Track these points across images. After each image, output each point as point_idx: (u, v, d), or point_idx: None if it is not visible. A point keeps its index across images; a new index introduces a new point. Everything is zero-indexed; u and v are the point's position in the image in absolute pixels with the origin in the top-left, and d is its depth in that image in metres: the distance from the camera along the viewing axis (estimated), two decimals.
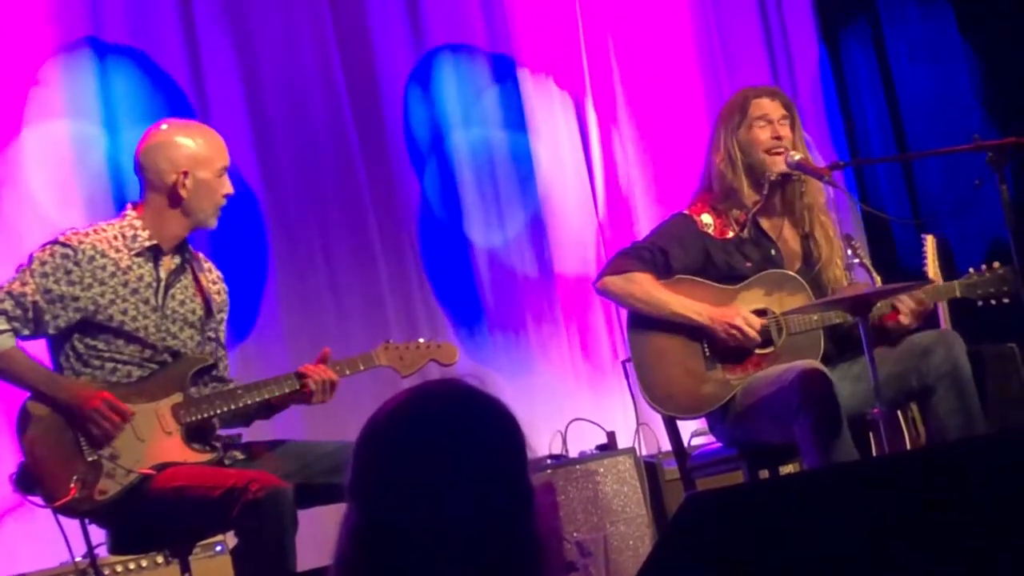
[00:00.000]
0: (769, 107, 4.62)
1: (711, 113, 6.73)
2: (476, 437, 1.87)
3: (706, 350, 4.52)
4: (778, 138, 4.58)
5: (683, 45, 6.87)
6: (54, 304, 4.03)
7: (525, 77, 6.56)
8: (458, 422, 1.88)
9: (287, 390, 4.13)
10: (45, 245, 4.11)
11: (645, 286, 4.55)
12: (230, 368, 4.34)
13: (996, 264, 4.56)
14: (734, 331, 4.45)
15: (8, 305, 4.01)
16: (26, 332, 4.04)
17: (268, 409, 4.24)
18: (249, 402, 4.12)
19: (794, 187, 4.63)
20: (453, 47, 6.49)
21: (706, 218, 4.65)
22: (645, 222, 6.42)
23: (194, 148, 4.17)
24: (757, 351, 4.51)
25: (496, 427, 1.89)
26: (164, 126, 4.27)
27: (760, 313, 4.53)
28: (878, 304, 4.41)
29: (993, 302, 4.55)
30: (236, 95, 6.05)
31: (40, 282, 4.03)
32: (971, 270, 4.58)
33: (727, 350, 4.50)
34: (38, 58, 5.69)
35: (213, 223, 4.22)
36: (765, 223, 4.65)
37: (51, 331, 4.06)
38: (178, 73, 5.95)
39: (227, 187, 4.20)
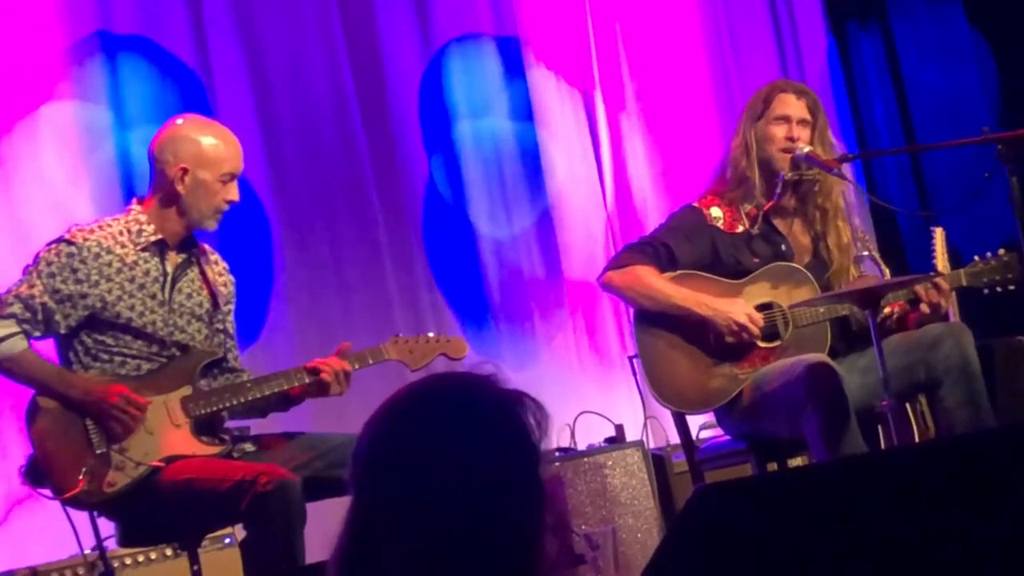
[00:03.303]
0: (792, 106, 4.60)
1: (719, 106, 6.74)
2: (479, 431, 1.84)
3: (713, 345, 4.51)
4: (791, 139, 4.57)
5: (692, 39, 6.86)
6: (63, 304, 4.03)
7: (534, 70, 6.55)
8: (461, 415, 1.85)
9: (296, 383, 4.13)
10: (50, 244, 4.11)
11: (646, 280, 4.53)
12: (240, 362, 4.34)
13: (1001, 251, 4.54)
14: (736, 327, 4.44)
15: (18, 308, 4.00)
16: (37, 334, 4.04)
17: (286, 401, 4.24)
18: (257, 395, 4.12)
19: (808, 188, 4.61)
20: (461, 40, 6.49)
21: (715, 211, 4.64)
22: (654, 215, 6.41)
23: (202, 147, 4.13)
24: (764, 344, 4.50)
25: (499, 424, 1.87)
26: (180, 120, 4.25)
27: (766, 307, 4.53)
28: (888, 296, 4.40)
29: (999, 290, 4.53)
30: (244, 92, 6.04)
31: (48, 282, 4.03)
32: (976, 258, 4.56)
33: (731, 344, 4.49)
34: (48, 53, 5.69)
35: (212, 226, 4.18)
36: (776, 220, 4.64)
37: (62, 330, 4.05)
38: (187, 70, 5.94)
39: (231, 194, 4.15)
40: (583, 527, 5.28)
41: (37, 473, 3.99)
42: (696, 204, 4.69)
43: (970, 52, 6.92)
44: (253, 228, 5.92)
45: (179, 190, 4.11)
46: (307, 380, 4.13)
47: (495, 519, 1.82)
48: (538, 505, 1.85)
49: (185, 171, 4.10)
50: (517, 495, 1.84)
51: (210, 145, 4.14)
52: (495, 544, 1.81)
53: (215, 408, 4.09)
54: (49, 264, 4.05)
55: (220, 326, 4.25)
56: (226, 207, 4.17)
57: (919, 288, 4.42)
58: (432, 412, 1.86)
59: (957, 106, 6.81)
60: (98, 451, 3.95)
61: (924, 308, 4.43)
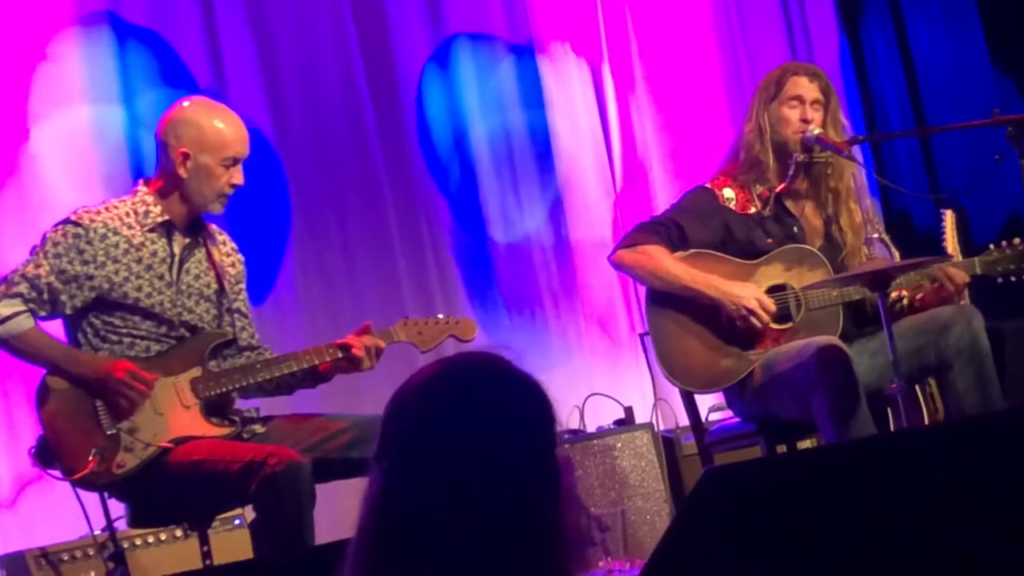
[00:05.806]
0: (805, 88, 4.59)
1: (728, 87, 6.73)
2: (506, 411, 1.85)
3: (724, 325, 4.50)
4: (806, 120, 4.56)
5: (701, 21, 6.85)
6: (69, 284, 4.03)
7: (543, 53, 6.54)
8: (489, 395, 1.86)
9: (327, 359, 4.13)
10: (57, 225, 4.10)
11: (657, 259, 4.53)
12: None
13: (1016, 240, 4.54)
14: (744, 312, 4.43)
15: (24, 288, 4.01)
16: (43, 313, 4.04)
17: (315, 378, 4.23)
18: (267, 376, 4.12)
19: (820, 170, 4.61)
20: (470, 21, 6.47)
21: (728, 192, 4.63)
22: (663, 196, 6.41)
23: (204, 131, 4.10)
24: (776, 326, 4.50)
25: (526, 403, 1.87)
26: (186, 103, 4.22)
27: (778, 288, 4.52)
28: (898, 280, 4.40)
29: (1013, 279, 4.53)
30: (253, 74, 6.03)
31: (54, 263, 4.03)
32: (991, 246, 4.56)
33: (742, 326, 4.49)
34: (54, 32, 5.68)
35: (217, 209, 4.15)
36: (788, 203, 4.64)
37: (68, 311, 4.05)
38: (196, 53, 5.92)
39: (235, 178, 4.11)
40: (592, 509, 5.29)
41: (47, 454, 4.00)
42: (708, 185, 4.68)
43: (980, 32, 6.89)
44: (264, 208, 5.92)
45: (181, 174, 4.10)
46: (339, 356, 4.12)
47: (529, 497, 1.83)
48: (560, 484, 1.86)
49: (187, 155, 4.09)
50: (547, 473, 1.85)
51: (212, 129, 4.11)
52: (529, 522, 1.82)
53: (225, 389, 4.09)
54: (56, 245, 4.05)
55: (231, 306, 4.25)
56: (230, 191, 4.14)
57: (937, 273, 4.42)
58: (464, 387, 1.87)
59: (968, 88, 6.79)
60: (108, 432, 3.96)
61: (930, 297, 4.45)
